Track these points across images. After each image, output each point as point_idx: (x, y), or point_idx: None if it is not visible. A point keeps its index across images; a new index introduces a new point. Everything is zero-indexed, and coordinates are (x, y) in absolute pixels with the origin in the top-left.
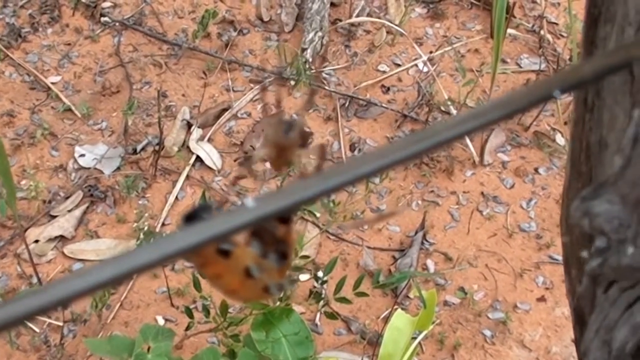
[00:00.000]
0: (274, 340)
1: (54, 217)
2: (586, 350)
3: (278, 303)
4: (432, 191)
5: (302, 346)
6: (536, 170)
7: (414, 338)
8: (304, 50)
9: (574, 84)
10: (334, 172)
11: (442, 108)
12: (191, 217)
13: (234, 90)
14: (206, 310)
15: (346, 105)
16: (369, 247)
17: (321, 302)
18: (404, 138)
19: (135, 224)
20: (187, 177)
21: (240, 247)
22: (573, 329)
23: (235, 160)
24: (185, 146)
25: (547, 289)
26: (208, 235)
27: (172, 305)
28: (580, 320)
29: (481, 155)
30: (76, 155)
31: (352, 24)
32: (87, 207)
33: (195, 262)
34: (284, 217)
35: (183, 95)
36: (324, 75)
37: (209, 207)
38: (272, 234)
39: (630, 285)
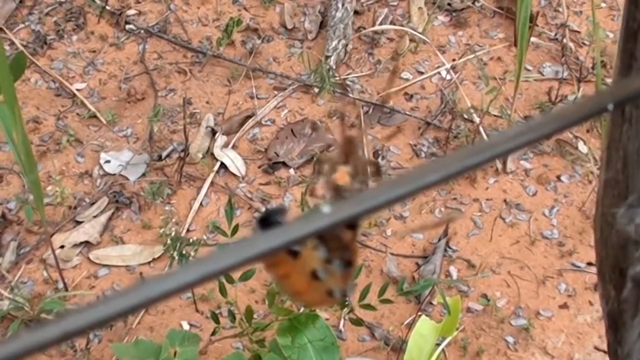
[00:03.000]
0: (300, 346)
1: (80, 222)
2: (630, 351)
3: (302, 309)
4: (455, 198)
5: (327, 352)
6: (559, 177)
7: (438, 344)
8: (327, 57)
9: (628, 97)
10: (401, 181)
11: (465, 116)
12: (265, 220)
13: (257, 98)
14: (232, 315)
15: (369, 112)
16: (392, 254)
17: (346, 309)
18: (463, 150)
19: (162, 230)
20: (212, 183)
21: (308, 250)
22: (606, 332)
23: (259, 167)
24: (209, 153)
25: (569, 296)
26: (287, 238)
27: (197, 310)
28: (615, 324)
29: (504, 162)
30: (101, 161)
31: (376, 32)
32: (113, 213)
33: (266, 262)
34: (352, 224)
35: (207, 102)
36: (347, 82)
37: (282, 211)
38: (338, 240)
39: None
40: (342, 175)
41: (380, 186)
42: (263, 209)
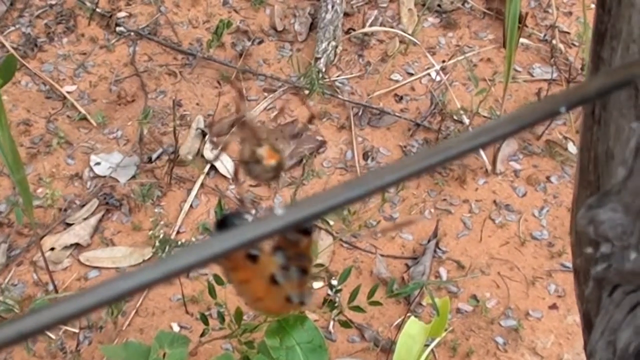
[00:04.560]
0: (288, 348)
1: (70, 225)
2: (592, 350)
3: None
4: (444, 199)
5: (316, 353)
6: (548, 178)
7: (427, 345)
8: (317, 59)
9: (579, 101)
10: (357, 183)
11: (455, 117)
12: (223, 223)
13: (248, 100)
14: (221, 317)
15: (359, 114)
16: (382, 255)
17: (335, 311)
18: (420, 152)
19: (151, 232)
20: (202, 185)
21: (267, 255)
22: (582, 333)
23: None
24: (199, 155)
25: (559, 296)
26: (241, 240)
27: (187, 312)
28: (588, 324)
29: (493, 163)
30: (92, 163)
31: (366, 34)
32: (103, 215)
33: (225, 267)
34: (307, 230)
35: (197, 104)
36: (337, 84)
37: (240, 214)
38: (295, 246)
39: (633, 289)
40: (270, 155)
41: (336, 188)
42: (253, 210)
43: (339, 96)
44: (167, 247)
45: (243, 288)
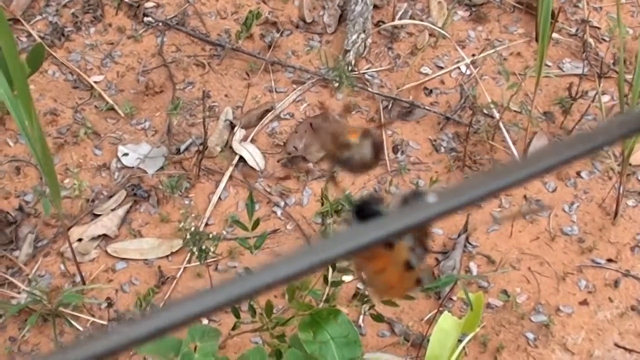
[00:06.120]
0: (322, 342)
1: (97, 216)
2: None
3: (322, 304)
4: None
5: (349, 348)
6: (578, 174)
7: (460, 341)
8: (346, 52)
9: None
10: (506, 171)
11: (485, 111)
12: (362, 209)
13: (276, 91)
14: (252, 310)
15: (389, 107)
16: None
17: (366, 305)
18: (576, 135)
19: (182, 224)
20: (230, 177)
21: (400, 241)
22: None
23: (278, 161)
24: (228, 147)
25: (589, 292)
26: (394, 229)
27: None
28: None
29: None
30: (119, 154)
31: (395, 27)
32: (131, 207)
33: (363, 257)
34: None
35: (226, 95)
36: (366, 77)
37: (378, 200)
38: (421, 228)
39: None
40: (363, 137)
41: (484, 177)
42: (282, 203)
43: (369, 89)
44: (197, 240)
45: (377, 278)
